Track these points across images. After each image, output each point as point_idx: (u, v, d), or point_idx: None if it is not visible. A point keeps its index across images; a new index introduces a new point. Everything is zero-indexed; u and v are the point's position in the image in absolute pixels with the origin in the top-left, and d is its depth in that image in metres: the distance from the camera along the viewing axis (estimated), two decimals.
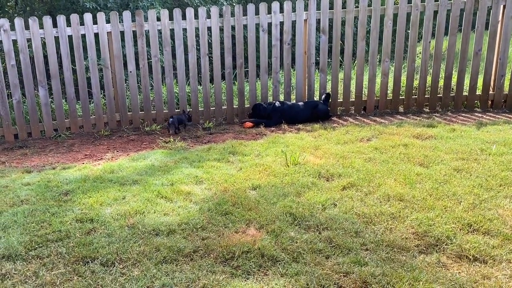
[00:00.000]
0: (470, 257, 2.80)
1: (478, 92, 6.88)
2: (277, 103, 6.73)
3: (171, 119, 6.52)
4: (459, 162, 4.39)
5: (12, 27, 6.42)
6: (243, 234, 3.23)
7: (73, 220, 3.56)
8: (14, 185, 4.55)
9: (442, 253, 2.87)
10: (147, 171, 4.72)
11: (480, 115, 6.48)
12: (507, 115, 6.37)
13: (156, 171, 4.71)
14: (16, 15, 8.87)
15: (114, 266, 2.90)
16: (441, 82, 7.05)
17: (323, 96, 6.90)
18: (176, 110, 7.03)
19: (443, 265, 2.76)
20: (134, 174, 4.65)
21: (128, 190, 4.17)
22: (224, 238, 3.16)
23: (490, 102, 6.87)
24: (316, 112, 6.66)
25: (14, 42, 6.53)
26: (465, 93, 6.91)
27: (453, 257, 2.82)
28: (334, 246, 3.01)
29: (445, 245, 2.94)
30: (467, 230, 3.11)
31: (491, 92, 6.83)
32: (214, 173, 4.52)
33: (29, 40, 6.58)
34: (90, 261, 2.96)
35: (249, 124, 6.68)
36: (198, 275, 2.75)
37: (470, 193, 3.66)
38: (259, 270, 2.79)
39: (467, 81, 6.93)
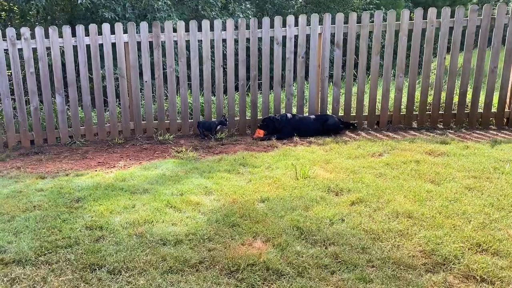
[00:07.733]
0: (478, 277, 2.76)
1: (494, 109, 6.80)
2: (289, 115, 6.75)
3: (197, 123, 6.98)
4: (471, 180, 4.34)
5: (33, 36, 6.59)
6: (250, 247, 3.23)
7: (83, 227, 3.62)
8: (28, 190, 4.64)
9: (449, 273, 2.83)
10: (158, 180, 4.77)
11: (495, 132, 6.40)
12: None
13: (167, 181, 4.75)
14: (37, 23, 9.11)
15: (121, 274, 2.93)
16: (456, 99, 6.99)
17: (351, 125, 6.95)
18: (202, 119, 7.18)
19: (449, 285, 2.72)
20: (145, 183, 4.71)
21: (138, 199, 4.23)
22: (230, 250, 3.18)
23: (505, 120, 6.78)
24: (326, 126, 6.66)
25: (34, 50, 6.70)
26: (480, 110, 6.84)
27: (460, 277, 2.79)
28: (340, 261, 3.00)
29: (453, 264, 2.91)
30: (476, 250, 3.07)
31: (506, 109, 6.75)
32: (224, 184, 4.55)
33: (48, 48, 6.75)
34: (97, 269, 3.00)
35: (261, 131, 6.72)
36: (202, 287, 2.77)
37: (481, 212, 3.61)
38: (263, 283, 2.79)
39: (482, 98, 6.86)
